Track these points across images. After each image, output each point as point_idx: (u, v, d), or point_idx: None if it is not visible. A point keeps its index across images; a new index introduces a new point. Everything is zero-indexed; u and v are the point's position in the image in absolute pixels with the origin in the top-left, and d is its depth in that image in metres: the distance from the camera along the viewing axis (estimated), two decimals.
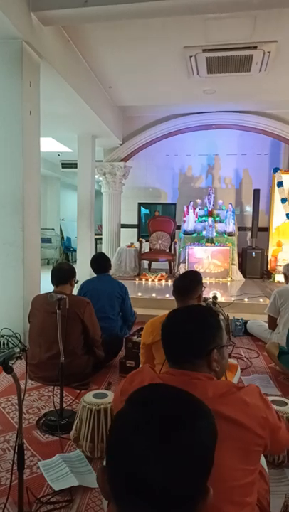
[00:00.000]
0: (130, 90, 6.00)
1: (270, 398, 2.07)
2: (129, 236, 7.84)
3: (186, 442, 0.61)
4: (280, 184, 6.93)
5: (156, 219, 7.41)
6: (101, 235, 8.00)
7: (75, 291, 3.30)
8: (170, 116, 7.24)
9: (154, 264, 7.22)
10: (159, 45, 4.45)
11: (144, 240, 7.16)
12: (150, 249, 7.12)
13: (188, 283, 2.38)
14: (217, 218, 7.06)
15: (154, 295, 5.20)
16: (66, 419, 2.28)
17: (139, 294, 5.25)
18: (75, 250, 8.85)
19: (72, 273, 3.01)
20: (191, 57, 4.61)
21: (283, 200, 6.93)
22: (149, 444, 0.59)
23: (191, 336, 1.18)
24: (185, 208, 7.16)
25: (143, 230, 7.81)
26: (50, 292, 2.81)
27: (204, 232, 6.84)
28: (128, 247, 7.11)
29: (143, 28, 4.04)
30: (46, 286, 3.34)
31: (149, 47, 4.49)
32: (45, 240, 9.59)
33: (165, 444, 0.59)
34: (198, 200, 7.32)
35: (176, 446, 0.60)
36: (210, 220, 6.90)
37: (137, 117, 7.34)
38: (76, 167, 6.82)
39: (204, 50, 4.45)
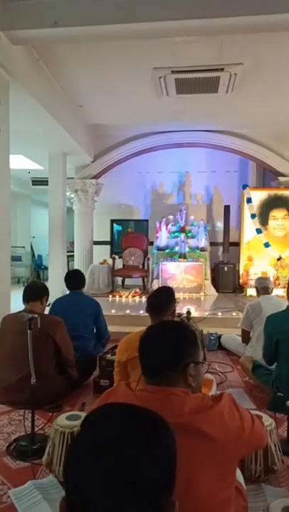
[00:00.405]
0: (101, 109, 6.08)
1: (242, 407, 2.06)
2: (102, 253, 7.80)
3: (139, 462, 0.58)
4: (249, 200, 7.13)
5: (129, 235, 7.43)
6: (73, 252, 7.92)
7: (47, 310, 3.23)
8: (141, 135, 7.36)
9: (127, 281, 7.20)
10: (129, 66, 4.55)
11: (117, 257, 7.14)
12: (123, 265, 7.10)
13: (162, 299, 2.39)
14: (189, 234, 7.15)
15: (128, 312, 5.16)
16: (38, 443, 2.19)
17: (113, 311, 5.19)
18: (46, 268, 8.70)
19: (44, 291, 2.95)
20: (160, 78, 4.73)
21: (253, 216, 7.11)
22: (100, 469, 0.57)
23: (168, 350, 1.19)
24: (157, 224, 7.22)
25: (116, 246, 7.80)
26: (20, 311, 2.74)
27: (177, 248, 6.90)
28: (101, 263, 7.07)
29: (113, 48, 4.12)
30: (17, 305, 3.25)
31: (120, 67, 4.58)
32: (16, 258, 9.39)
33: (115, 467, 0.57)
34: (171, 217, 7.40)
35: (129, 467, 0.57)
36: (182, 235, 6.98)
37: (108, 135, 7.42)
38: (47, 184, 6.78)
39: (173, 72, 4.58)
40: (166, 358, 1.17)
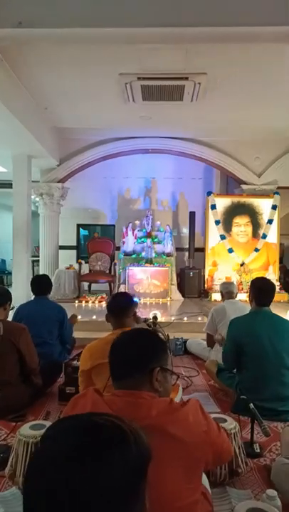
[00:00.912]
0: (67, 112, 6.02)
1: (210, 416, 2.09)
2: (68, 258, 7.70)
3: (92, 481, 0.57)
4: (214, 207, 7.29)
5: (96, 240, 7.38)
6: (38, 256, 7.76)
7: (10, 316, 3.14)
8: (108, 140, 7.35)
9: (94, 286, 7.14)
10: (96, 70, 4.54)
11: (83, 262, 7.06)
12: (90, 270, 7.04)
13: (122, 301, 2.43)
14: (155, 239, 7.20)
15: (94, 317, 5.11)
16: (1, 454, 2.12)
17: (79, 316, 5.10)
18: (10, 273, 8.47)
19: (7, 297, 2.87)
20: (126, 84, 4.75)
21: (217, 222, 7.27)
22: (55, 485, 0.56)
23: (136, 351, 1.23)
24: (124, 229, 7.22)
25: (82, 251, 7.72)
26: None
27: (143, 253, 6.93)
28: (67, 268, 6.97)
29: (80, 51, 4.10)
30: None
31: (86, 71, 4.57)
32: None
33: (68, 484, 0.56)
34: (137, 222, 7.43)
35: (82, 487, 0.56)
36: (148, 241, 7.02)
37: (74, 139, 7.35)
38: (11, 187, 6.61)
39: (139, 78, 4.61)
40: (133, 359, 1.21)
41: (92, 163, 7.51)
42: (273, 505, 1.45)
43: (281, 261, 7.95)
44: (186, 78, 4.61)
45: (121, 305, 2.38)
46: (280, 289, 6.95)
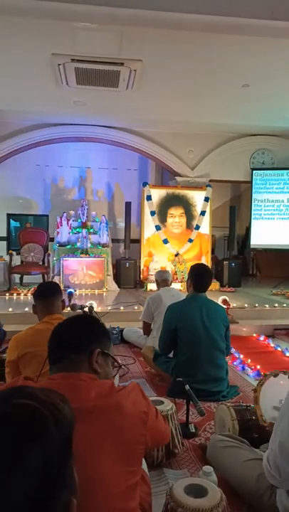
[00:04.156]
0: None
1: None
2: None
3: (10, 479, 0.50)
4: (149, 198, 7.32)
5: (28, 230, 7.06)
6: None
7: None
8: (40, 125, 7.03)
9: (26, 278, 6.82)
10: (24, 48, 4.27)
11: (14, 253, 6.71)
12: (22, 262, 6.72)
13: (50, 286, 2.45)
14: (91, 230, 7.07)
15: (26, 310, 4.88)
16: None
17: (10, 309, 4.88)
18: None
19: None
20: (59, 65, 4.56)
21: (152, 213, 7.33)
22: None
23: (76, 333, 1.20)
24: (58, 220, 6.98)
25: (13, 243, 7.34)
26: None
27: (78, 244, 6.77)
28: None
29: (6, 25, 3.80)
30: None
31: (16, 47, 4.27)
32: None
33: None
34: (72, 212, 7.22)
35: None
36: (84, 231, 6.87)
37: (3, 122, 6.92)
38: None
39: (73, 60, 4.44)
40: (73, 339, 1.18)
41: (22, 149, 7.14)
42: (210, 480, 1.47)
43: (213, 251, 8.24)
44: (122, 64, 4.53)
45: (48, 289, 2.35)
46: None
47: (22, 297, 5.91)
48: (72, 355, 1.14)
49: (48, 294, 2.27)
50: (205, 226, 7.53)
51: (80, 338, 1.18)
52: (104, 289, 6.52)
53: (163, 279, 3.95)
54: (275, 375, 2.03)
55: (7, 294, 6.02)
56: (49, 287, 2.38)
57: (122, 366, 3.50)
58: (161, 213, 7.37)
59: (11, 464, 0.51)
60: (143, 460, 1.53)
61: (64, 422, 0.58)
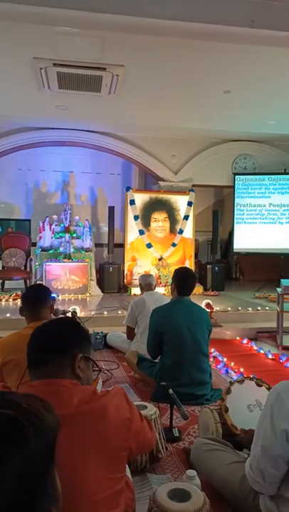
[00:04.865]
0: None
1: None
2: None
3: None
4: (133, 202, 7.33)
5: (10, 235, 6.97)
6: None
7: None
8: (22, 129, 6.96)
9: (7, 283, 6.72)
10: (6, 52, 4.23)
11: None
12: (3, 267, 6.62)
13: (38, 291, 2.34)
14: (74, 234, 7.02)
15: (8, 315, 4.81)
16: None
17: None
18: None
19: None
20: (41, 69, 4.53)
21: (136, 218, 7.33)
22: None
23: (58, 337, 1.16)
24: (41, 224, 6.91)
25: None
26: None
27: (61, 249, 6.71)
28: None
29: None
30: None
31: None
32: None
33: None
34: (55, 216, 7.16)
35: None
36: (67, 236, 6.81)
37: None
38: None
39: (55, 64, 4.42)
40: (55, 343, 1.15)
41: (3, 153, 7.06)
42: (194, 484, 1.46)
43: (196, 256, 8.29)
44: (104, 69, 4.53)
45: (37, 294, 2.27)
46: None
47: (3, 303, 5.82)
48: (57, 359, 1.11)
49: (36, 303, 2.19)
50: (188, 230, 7.57)
51: (64, 342, 1.16)
52: (88, 294, 6.47)
53: (147, 283, 3.95)
54: (240, 382, 2.09)
55: None
56: (37, 295, 2.27)
57: (105, 371, 3.47)
58: (145, 218, 7.38)
59: None
60: (126, 466, 1.52)
61: (45, 431, 0.57)
